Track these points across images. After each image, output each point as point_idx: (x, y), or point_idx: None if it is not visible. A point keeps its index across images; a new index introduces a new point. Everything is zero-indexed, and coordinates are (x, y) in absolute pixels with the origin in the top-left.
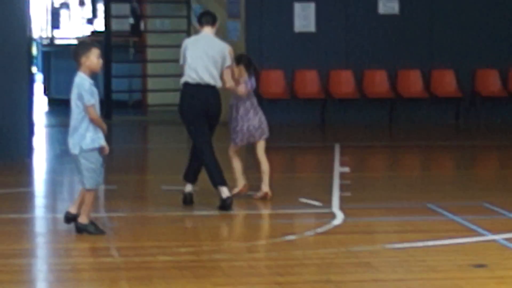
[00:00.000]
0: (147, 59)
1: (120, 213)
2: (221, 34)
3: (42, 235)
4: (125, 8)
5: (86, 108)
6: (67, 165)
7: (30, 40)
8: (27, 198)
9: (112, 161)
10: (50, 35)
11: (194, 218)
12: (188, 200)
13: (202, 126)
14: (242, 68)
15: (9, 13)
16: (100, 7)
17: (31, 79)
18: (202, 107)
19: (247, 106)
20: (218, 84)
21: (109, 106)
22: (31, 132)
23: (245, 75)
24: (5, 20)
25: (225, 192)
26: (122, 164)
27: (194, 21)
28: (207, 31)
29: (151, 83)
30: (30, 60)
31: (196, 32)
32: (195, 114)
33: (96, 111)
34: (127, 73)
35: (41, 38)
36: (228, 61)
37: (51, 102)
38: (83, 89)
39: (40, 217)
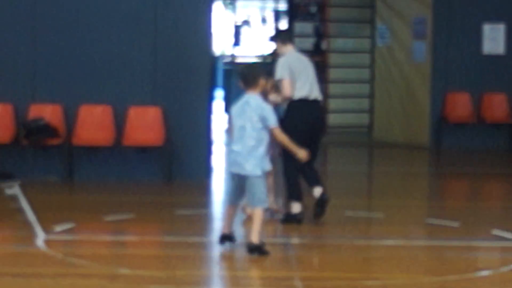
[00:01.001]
0: (329, 79)
1: (302, 240)
2: (406, 55)
3: (221, 260)
4: (308, 27)
5: (270, 131)
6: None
7: (211, 58)
8: (205, 220)
9: None
10: (231, 53)
11: (379, 248)
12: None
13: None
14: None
15: (192, 30)
16: (283, 25)
17: (210, 98)
18: (310, 122)
19: None
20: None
21: None
22: (209, 152)
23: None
24: (187, 38)
25: (295, 208)
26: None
27: (379, 41)
28: (292, 49)
29: (333, 104)
30: (210, 78)
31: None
32: (300, 130)
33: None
34: None
35: (222, 55)
36: None
37: None
38: (267, 111)
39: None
